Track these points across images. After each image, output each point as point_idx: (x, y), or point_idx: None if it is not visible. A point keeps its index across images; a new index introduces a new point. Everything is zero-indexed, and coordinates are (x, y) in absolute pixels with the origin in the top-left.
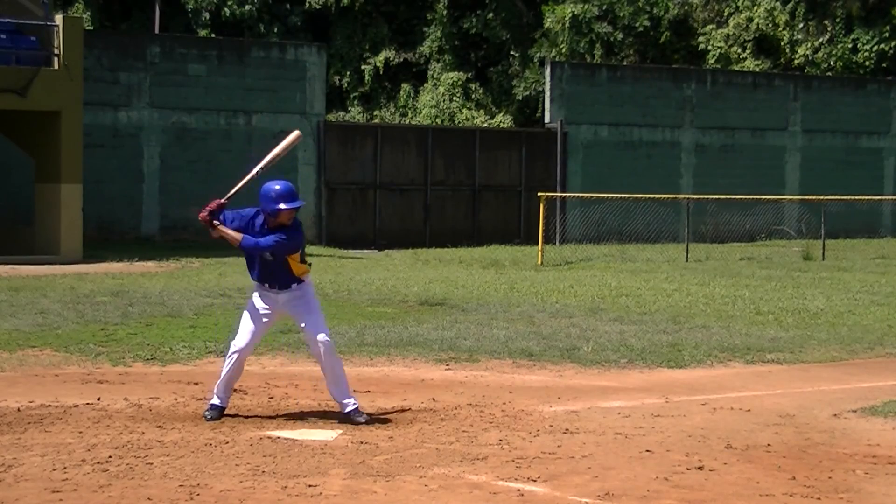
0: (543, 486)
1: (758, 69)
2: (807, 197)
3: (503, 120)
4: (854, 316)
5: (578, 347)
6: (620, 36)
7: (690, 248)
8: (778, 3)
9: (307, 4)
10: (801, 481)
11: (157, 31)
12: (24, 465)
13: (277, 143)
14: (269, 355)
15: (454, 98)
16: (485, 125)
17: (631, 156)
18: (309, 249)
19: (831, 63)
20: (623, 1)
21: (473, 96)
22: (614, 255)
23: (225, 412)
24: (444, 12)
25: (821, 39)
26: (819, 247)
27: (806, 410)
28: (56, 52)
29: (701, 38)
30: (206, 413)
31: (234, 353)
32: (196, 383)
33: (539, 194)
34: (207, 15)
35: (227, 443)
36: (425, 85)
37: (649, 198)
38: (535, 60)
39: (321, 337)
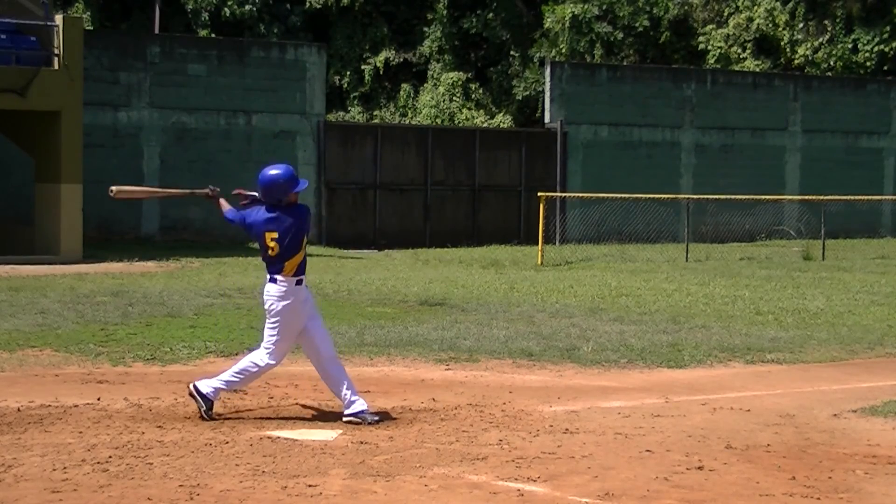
0: (543, 486)
1: (758, 69)
2: (807, 197)
3: (503, 120)
4: (854, 316)
5: (578, 347)
6: (620, 36)
7: (690, 248)
8: (778, 3)
9: (307, 4)
10: (801, 481)
11: (157, 31)
12: (24, 465)
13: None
14: None
15: (454, 98)
16: (485, 125)
17: (631, 156)
18: (309, 249)
19: (831, 63)
20: (623, 1)
21: (473, 96)
22: (614, 255)
23: (225, 412)
24: (444, 12)
25: (821, 39)
26: (819, 247)
27: (806, 410)
28: (56, 52)
29: (701, 38)
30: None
31: (268, 367)
32: None
33: (539, 194)
34: (207, 15)
35: (227, 443)
36: (425, 85)
37: (649, 198)
38: (535, 60)
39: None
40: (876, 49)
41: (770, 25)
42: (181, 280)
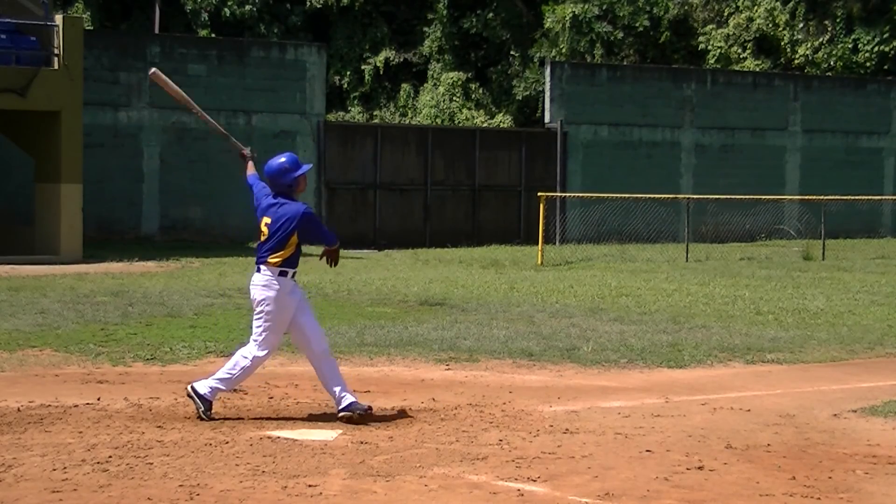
0: (543, 486)
1: (758, 69)
2: (807, 197)
3: (503, 120)
4: (854, 316)
5: (578, 347)
6: (620, 36)
7: (690, 248)
8: (778, 3)
9: (307, 4)
10: (801, 481)
11: (157, 31)
12: (24, 465)
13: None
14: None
15: (454, 98)
16: (485, 125)
17: (631, 156)
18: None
19: (831, 63)
20: (623, 1)
21: (473, 96)
22: (614, 255)
23: (225, 412)
24: (444, 12)
25: (821, 39)
26: (819, 247)
27: (806, 410)
28: (56, 52)
29: (701, 38)
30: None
31: (259, 359)
32: None
33: (539, 194)
34: (207, 15)
35: (227, 443)
36: (425, 85)
37: (649, 198)
38: (535, 60)
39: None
40: (876, 49)
41: (770, 25)
42: (181, 280)
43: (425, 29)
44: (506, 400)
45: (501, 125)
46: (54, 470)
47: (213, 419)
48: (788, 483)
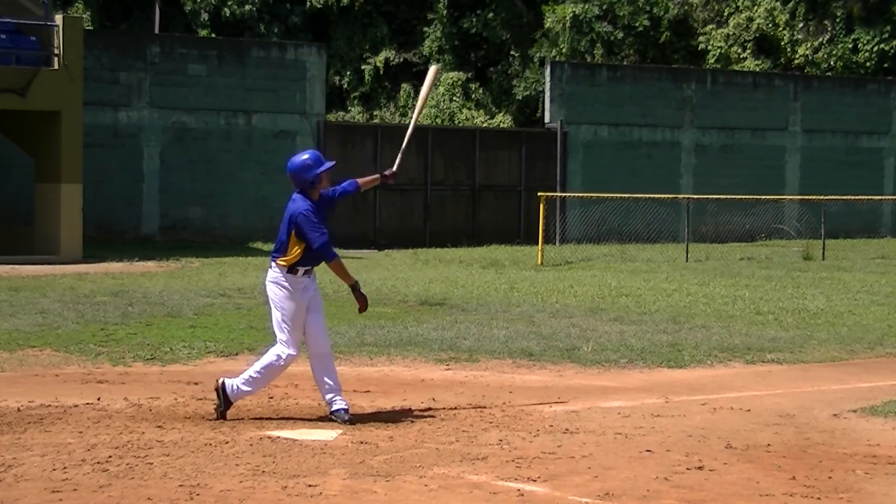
0: (543, 486)
1: (758, 69)
2: (807, 197)
3: (503, 120)
4: (854, 316)
5: (578, 347)
6: (621, 35)
7: (690, 248)
8: (778, 3)
9: (307, 4)
10: (801, 481)
11: (157, 31)
12: (24, 465)
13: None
14: None
15: (454, 98)
16: (485, 125)
17: (631, 156)
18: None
19: (831, 63)
20: (623, 1)
21: (473, 96)
22: (614, 255)
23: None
24: (444, 12)
25: (821, 39)
26: (819, 247)
27: (806, 410)
28: (56, 52)
29: (701, 38)
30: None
31: (289, 359)
32: (196, 383)
33: (539, 194)
34: (207, 15)
35: (227, 443)
36: None
37: (649, 198)
38: (535, 60)
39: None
40: (876, 49)
41: (770, 25)
42: (181, 280)
43: (425, 29)
44: (506, 400)
45: (501, 125)
46: (54, 470)
47: (218, 419)
48: (788, 483)
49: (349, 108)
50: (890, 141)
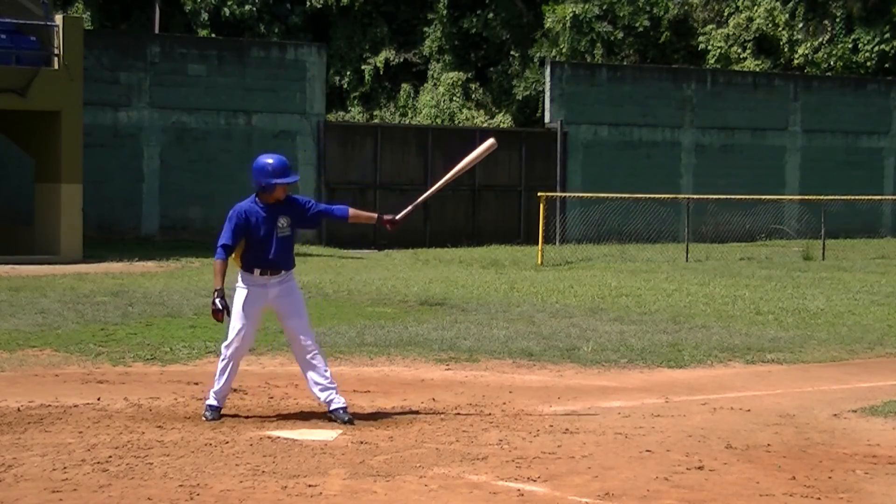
0: (543, 486)
1: (758, 69)
2: (807, 197)
3: (503, 120)
4: (854, 316)
5: (578, 347)
6: (621, 35)
7: (690, 248)
8: (778, 3)
9: (307, 4)
10: (801, 481)
11: (156, 31)
12: (24, 465)
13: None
14: (269, 355)
15: (454, 98)
16: (485, 125)
17: (631, 156)
18: (309, 249)
19: (831, 63)
20: (623, 1)
21: (473, 96)
22: (614, 255)
23: (225, 412)
24: (444, 12)
25: (821, 39)
26: (819, 247)
27: (806, 410)
28: (56, 52)
29: (701, 38)
30: (206, 414)
31: (230, 359)
32: (196, 383)
33: (539, 194)
34: (207, 15)
35: (227, 443)
36: (425, 85)
37: (649, 198)
38: (535, 60)
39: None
40: (876, 49)
41: (770, 25)
42: (181, 280)
43: (425, 29)
44: (506, 400)
45: (501, 125)
46: (54, 470)
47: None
48: (788, 483)
49: (349, 108)
50: (890, 141)
